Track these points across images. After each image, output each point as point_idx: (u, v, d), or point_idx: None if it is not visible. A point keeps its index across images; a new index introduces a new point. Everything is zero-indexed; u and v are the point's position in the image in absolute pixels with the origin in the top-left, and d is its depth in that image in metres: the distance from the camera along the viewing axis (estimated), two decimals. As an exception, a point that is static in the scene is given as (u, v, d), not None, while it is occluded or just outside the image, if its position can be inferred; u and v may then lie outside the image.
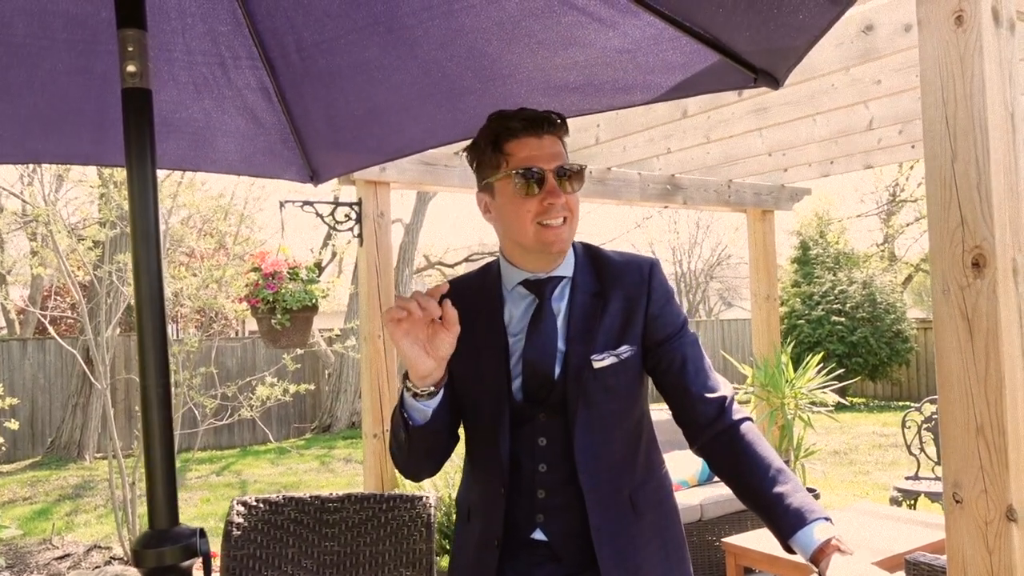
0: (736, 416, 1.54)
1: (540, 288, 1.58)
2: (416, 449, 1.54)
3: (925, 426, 5.71)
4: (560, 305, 1.59)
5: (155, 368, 1.17)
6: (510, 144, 1.52)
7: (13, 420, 6.71)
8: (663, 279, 1.63)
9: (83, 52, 1.66)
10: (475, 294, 1.64)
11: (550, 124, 1.52)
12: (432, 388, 1.44)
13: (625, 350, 1.56)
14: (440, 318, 1.38)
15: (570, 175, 1.52)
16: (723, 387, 1.58)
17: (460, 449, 1.69)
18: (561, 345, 1.57)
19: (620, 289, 1.59)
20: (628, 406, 1.60)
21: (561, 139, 1.56)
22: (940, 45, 1.72)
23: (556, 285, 1.59)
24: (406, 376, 1.45)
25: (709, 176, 5.72)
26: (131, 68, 1.17)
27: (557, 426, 1.56)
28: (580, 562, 1.56)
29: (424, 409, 1.47)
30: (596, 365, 1.54)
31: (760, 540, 3.97)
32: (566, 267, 1.60)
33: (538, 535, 1.58)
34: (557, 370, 1.56)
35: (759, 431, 1.55)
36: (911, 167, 19.14)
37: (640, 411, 1.65)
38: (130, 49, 1.18)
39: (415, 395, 1.45)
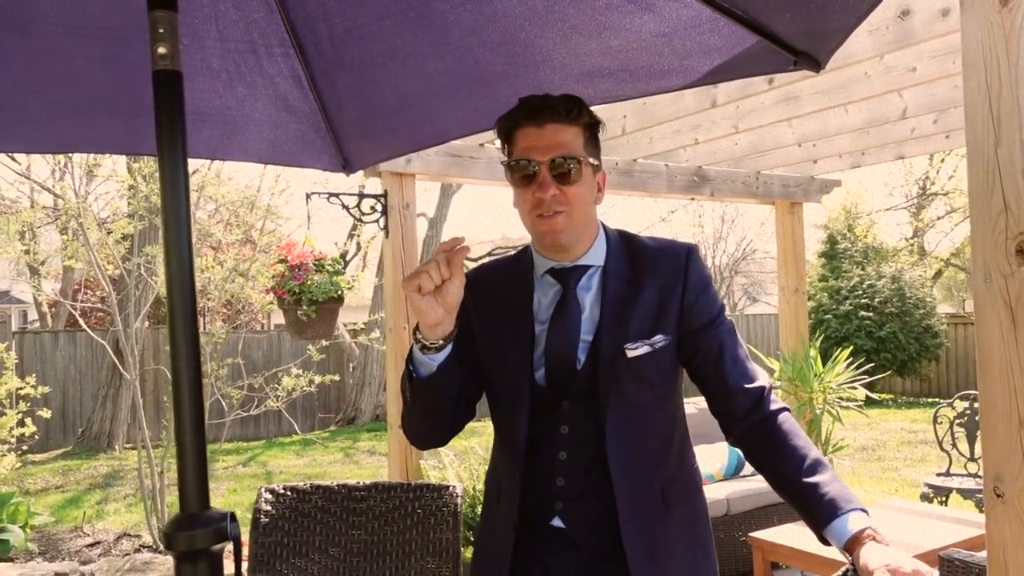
0: (773, 406, 1.51)
1: (565, 277, 1.57)
2: (419, 406, 1.52)
3: (957, 422, 5.61)
4: (589, 294, 1.57)
5: (186, 351, 1.17)
6: (516, 133, 1.51)
7: (46, 409, 6.81)
8: (700, 265, 1.59)
9: (118, 40, 1.66)
10: (506, 280, 1.64)
11: (552, 112, 1.48)
12: (441, 341, 1.42)
13: (659, 339, 1.53)
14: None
15: (568, 168, 1.47)
16: (761, 377, 1.55)
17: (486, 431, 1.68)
18: (589, 335, 1.54)
19: (654, 276, 1.56)
20: (662, 397, 1.57)
21: (574, 126, 1.50)
22: (984, 25, 1.67)
23: (583, 274, 1.57)
24: (416, 329, 1.43)
25: (737, 167, 5.65)
26: (162, 50, 1.17)
27: (581, 414, 1.54)
28: (600, 551, 1.54)
29: (430, 363, 1.44)
30: (630, 354, 1.51)
31: (787, 535, 3.92)
32: (594, 255, 1.58)
33: (556, 522, 1.57)
34: (582, 360, 1.54)
35: (796, 422, 1.52)
36: (942, 160, 18.81)
37: (675, 404, 1.62)
38: (161, 31, 1.17)
39: (423, 347, 1.43)
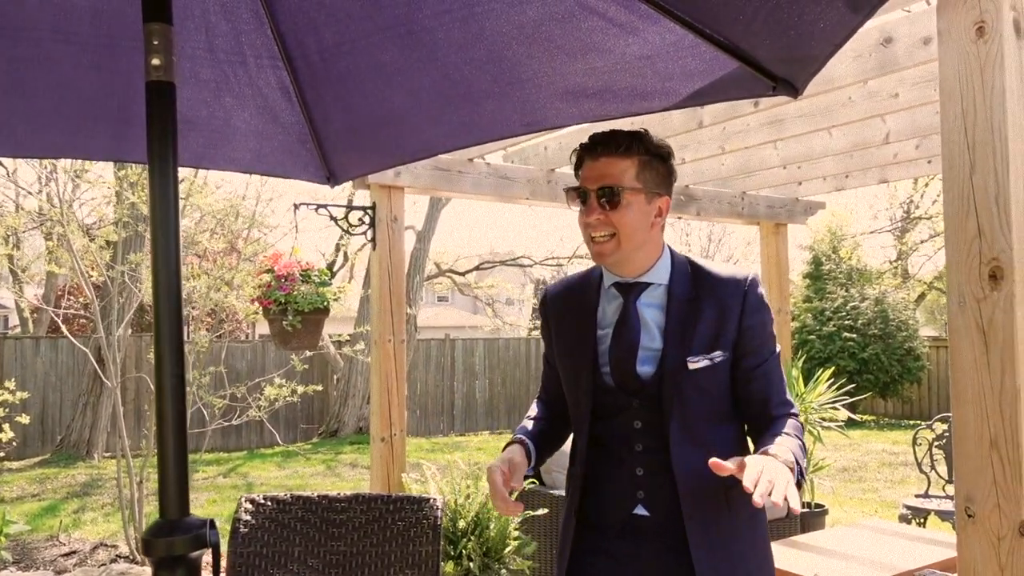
0: (783, 412, 1.69)
1: (626, 291, 1.74)
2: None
3: (936, 444, 5.66)
4: (651, 309, 1.72)
5: (170, 360, 1.18)
6: (582, 166, 1.73)
7: (24, 415, 6.74)
8: (760, 294, 1.73)
9: (107, 48, 1.67)
10: (577, 291, 1.84)
11: (604, 147, 1.67)
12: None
13: (718, 355, 1.68)
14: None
15: (613, 196, 1.64)
16: (789, 404, 1.72)
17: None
18: (651, 343, 1.70)
19: (714, 298, 1.70)
20: (723, 408, 1.73)
21: (626, 159, 1.66)
22: (960, 56, 1.71)
23: (643, 290, 1.73)
24: None
25: (723, 187, 5.70)
26: (156, 61, 1.19)
27: (651, 413, 1.69)
28: (680, 539, 1.66)
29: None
30: (691, 366, 1.66)
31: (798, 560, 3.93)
32: (657, 274, 1.73)
33: (640, 511, 1.71)
34: (646, 367, 1.69)
35: (798, 425, 1.67)
36: (926, 184, 19.05)
37: (734, 413, 1.76)
38: (155, 43, 1.19)
39: None
